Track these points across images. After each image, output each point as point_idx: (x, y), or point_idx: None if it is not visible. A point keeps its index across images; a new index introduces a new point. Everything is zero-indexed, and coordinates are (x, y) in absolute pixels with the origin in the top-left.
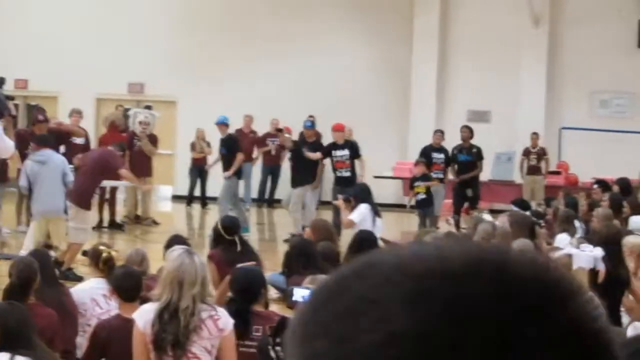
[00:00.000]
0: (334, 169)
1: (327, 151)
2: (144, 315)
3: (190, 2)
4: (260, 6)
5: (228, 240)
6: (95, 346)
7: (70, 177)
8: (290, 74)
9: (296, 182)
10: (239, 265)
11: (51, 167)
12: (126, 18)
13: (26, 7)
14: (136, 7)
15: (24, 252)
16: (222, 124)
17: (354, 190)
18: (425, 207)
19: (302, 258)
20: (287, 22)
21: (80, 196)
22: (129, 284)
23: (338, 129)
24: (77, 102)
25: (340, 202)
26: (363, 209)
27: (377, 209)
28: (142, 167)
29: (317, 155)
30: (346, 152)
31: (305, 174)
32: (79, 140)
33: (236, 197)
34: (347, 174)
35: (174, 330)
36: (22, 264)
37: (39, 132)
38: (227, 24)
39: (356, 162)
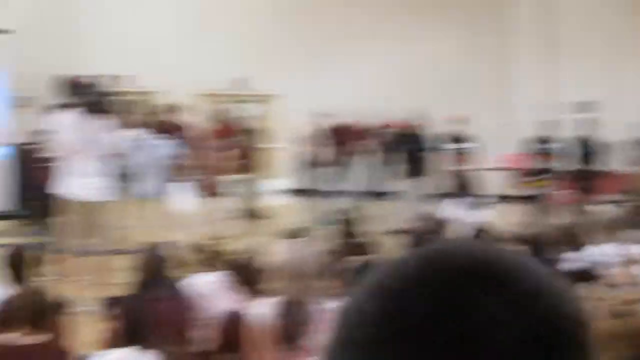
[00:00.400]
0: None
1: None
2: (263, 309)
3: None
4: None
5: (349, 232)
6: (220, 338)
7: None
8: (394, 66)
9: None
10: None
11: None
12: (230, 12)
13: (130, 5)
14: (238, 3)
15: None
16: (323, 117)
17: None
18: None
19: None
20: (390, 13)
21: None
22: (247, 276)
23: (459, 118)
24: (180, 97)
25: None
26: (449, 203)
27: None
28: (245, 162)
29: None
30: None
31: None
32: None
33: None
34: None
35: (293, 321)
36: (146, 257)
37: None
38: (330, 16)
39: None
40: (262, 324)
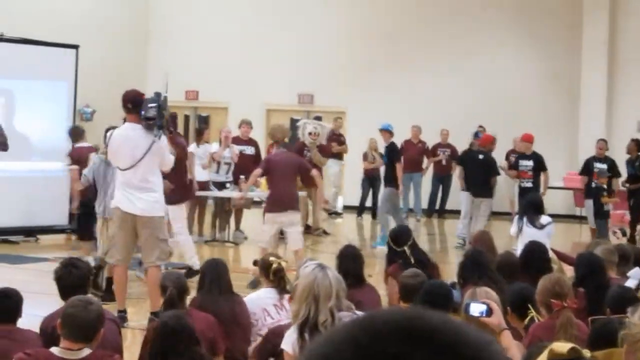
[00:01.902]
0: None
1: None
2: (288, 339)
3: (357, 13)
4: (427, 16)
5: (399, 252)
6: (263, 353)
7: None
8: (458, 83)
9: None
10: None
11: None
12: (295, 29)
13: (196, 20)
14: (305, 18)
15: (195, 261)
16: (385, 131)
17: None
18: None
19: (476, 268)
20: (452, 32)
21: (285, 200)
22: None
23: (526, 139)
24: (247, 112)
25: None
26: (519, 221)
27: (533, 220)
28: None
29: (512, 173)
30: (531, 163)
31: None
32: (249, 151)
33: (395, 208)
34: (529, 184)
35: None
36: (174, 274)
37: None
38: (394, 33)
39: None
40: (293, 354)
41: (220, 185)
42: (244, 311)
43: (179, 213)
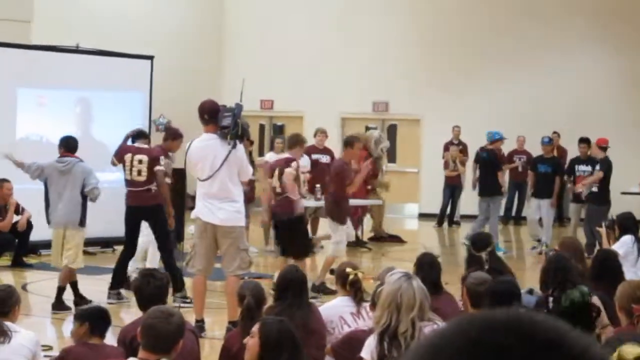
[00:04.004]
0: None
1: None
2: (368, 348)
3: (430, 20)
4: (499, 21)
5: (477, 257)
6: (341, 352)
7: (90, 186)
8: (531, 88)
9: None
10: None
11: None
12: (369, 37)
13: (270, 30)
14: (378, 26)
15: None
16: (500, 140)
17: (618, 218)
18: None
19: (559, 273)
20: (526, 35)
21: (333, 210)
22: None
23: (599, 143)
24: (322, 121)
25: (602, 229)
26: (628, 240)
27: None
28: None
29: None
30: (591, 168)
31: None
32: (324, 160)
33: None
34: (594, 189)
35: (396, 353)
36: (251, 283)
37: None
38: (467, 40)
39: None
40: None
41: None
42: (318, 319)
43: None
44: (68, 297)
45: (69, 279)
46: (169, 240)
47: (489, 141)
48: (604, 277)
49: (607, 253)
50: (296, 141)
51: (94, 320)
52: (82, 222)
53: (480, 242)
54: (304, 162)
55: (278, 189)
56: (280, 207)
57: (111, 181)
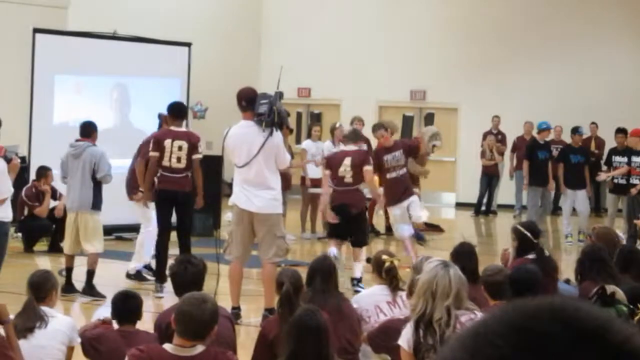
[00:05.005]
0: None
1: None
2: (405, 336)
3: (469, 8)
4: (538, 10)
5: (534, 243)
6: (377, 341)
7: (102, 173)
8: (570, 79)
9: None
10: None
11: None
12: (407, 25)
13: (308, 17)
14: (417, 14)
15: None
16: (548, 130)
17: None
18: None
19: (594, 264)
20: (565, 28)
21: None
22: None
23: (634, 134)
24: (359, 109)
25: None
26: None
27: None
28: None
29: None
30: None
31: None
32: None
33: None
34: (636, 181)
35: (431, 340)
36: (289, 271)
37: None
38: (505, 29)
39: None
40: (408, 350)
41: None
42: (349, 305)
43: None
44: (98, 281)
45: (94, 263)
46: (192, 226)
47: (537, 130)
48: (630, 270)
49: (631, 246)
50: (359, 136)
51: (117, 310)
52: (95, 206)
53: (536, 229)
54: (328, 148)
55: (348, 179)
56: (350, 199)
57: None
